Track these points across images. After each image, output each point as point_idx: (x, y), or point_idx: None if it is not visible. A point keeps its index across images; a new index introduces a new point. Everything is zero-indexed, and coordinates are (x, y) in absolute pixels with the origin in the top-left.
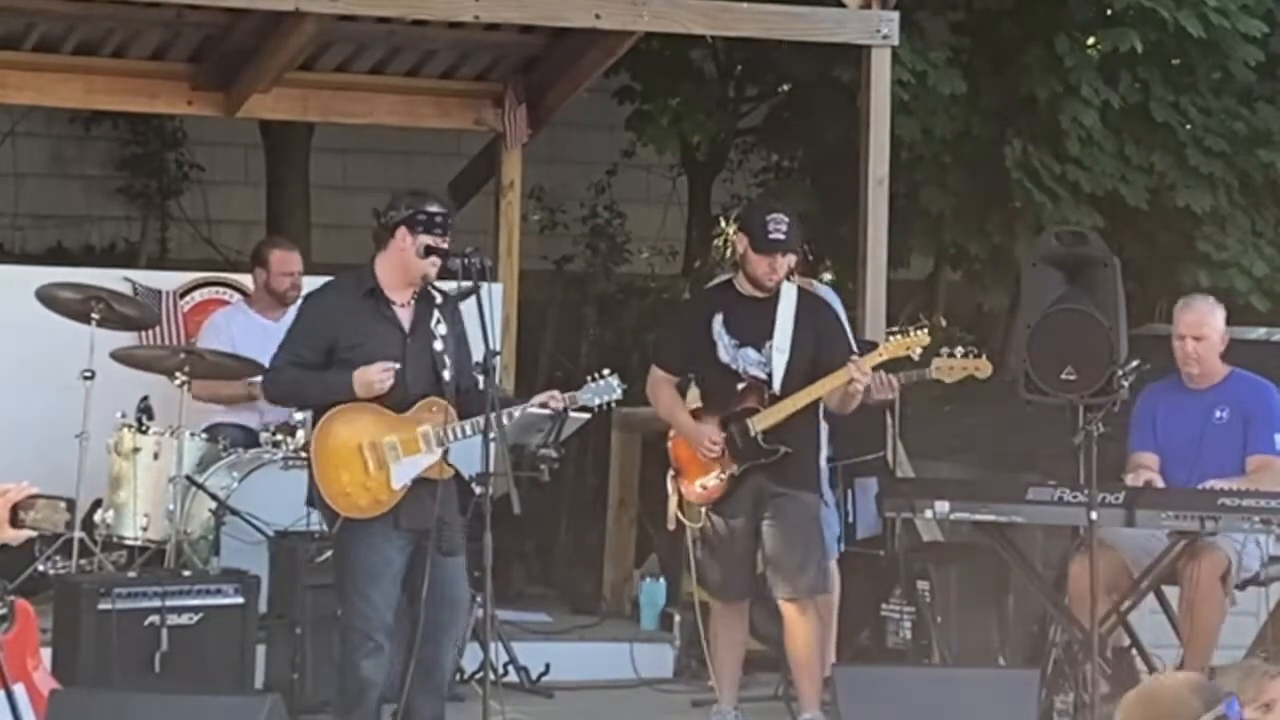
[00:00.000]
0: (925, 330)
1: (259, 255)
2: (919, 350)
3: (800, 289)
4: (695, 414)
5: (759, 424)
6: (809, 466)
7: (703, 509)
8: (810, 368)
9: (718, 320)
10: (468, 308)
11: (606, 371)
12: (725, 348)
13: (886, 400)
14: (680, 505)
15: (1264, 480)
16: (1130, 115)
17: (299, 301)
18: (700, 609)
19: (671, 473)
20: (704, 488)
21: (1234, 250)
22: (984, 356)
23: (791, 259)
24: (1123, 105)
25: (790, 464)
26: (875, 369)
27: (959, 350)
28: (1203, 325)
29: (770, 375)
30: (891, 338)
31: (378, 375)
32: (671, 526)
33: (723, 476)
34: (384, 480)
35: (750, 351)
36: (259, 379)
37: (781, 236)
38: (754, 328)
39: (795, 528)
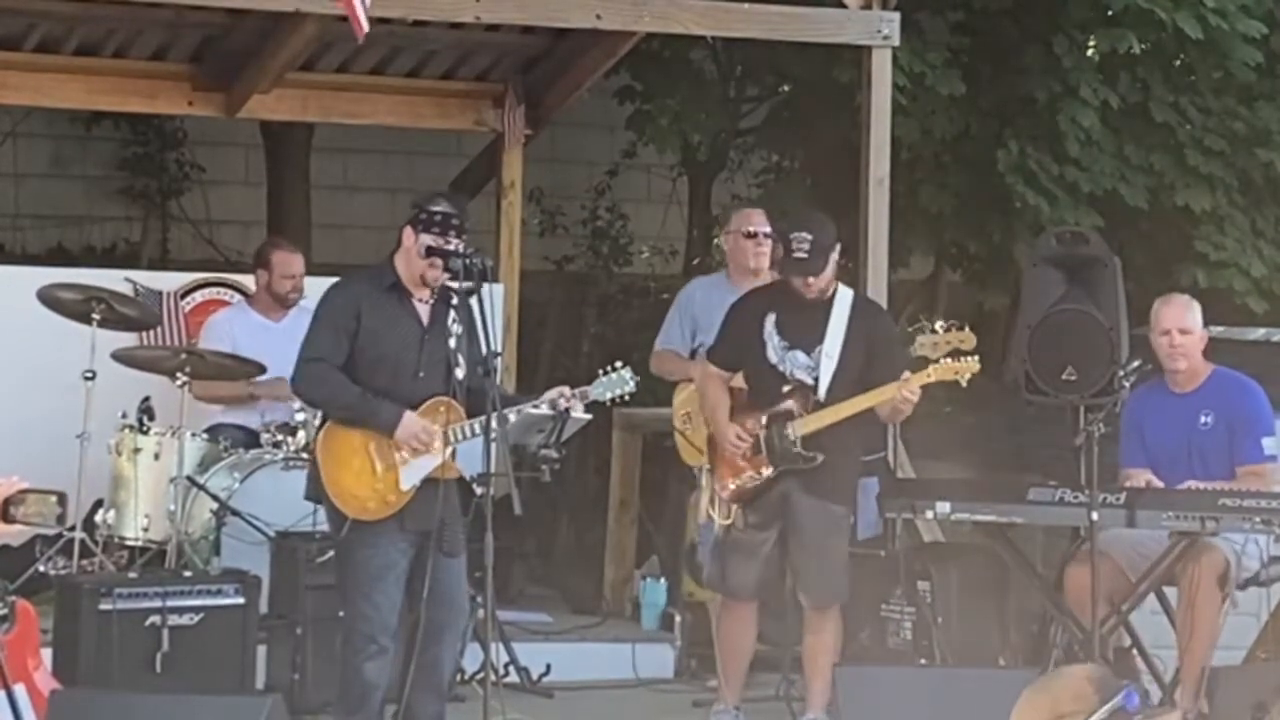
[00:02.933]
0: (976, 358)
1: (262, 256)
2: (968, 376)
3: (858, 295)
4: (736, 410)
5: (799, 429)
6: (844, 477)
7: (732, 506)
8: (859, 377)
9: (770, 320)
10: None
11: (619, 364)
12: (774, 348)
13: None
14: (713, 500)
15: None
16: (1129, 115)
17: (322, 295)
18: (697, 609)
19: (706, 467)
20: (737, 485)
21: (1232, 250)
22: (966, 329)
23: (828, 270)
24: (1122, 105)
25: (824, 473)
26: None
27: (940, 325)
28: (1185, 318)
29: (817, 381)
30: (944, 359)
31: (423, 431)
32: (703, 521)
33: (756, 477)
34: (392, 482)
35: (799, 355)
36: (260, 379)
37: (803, 256)
38: (806, 331)
39: (819, 538)
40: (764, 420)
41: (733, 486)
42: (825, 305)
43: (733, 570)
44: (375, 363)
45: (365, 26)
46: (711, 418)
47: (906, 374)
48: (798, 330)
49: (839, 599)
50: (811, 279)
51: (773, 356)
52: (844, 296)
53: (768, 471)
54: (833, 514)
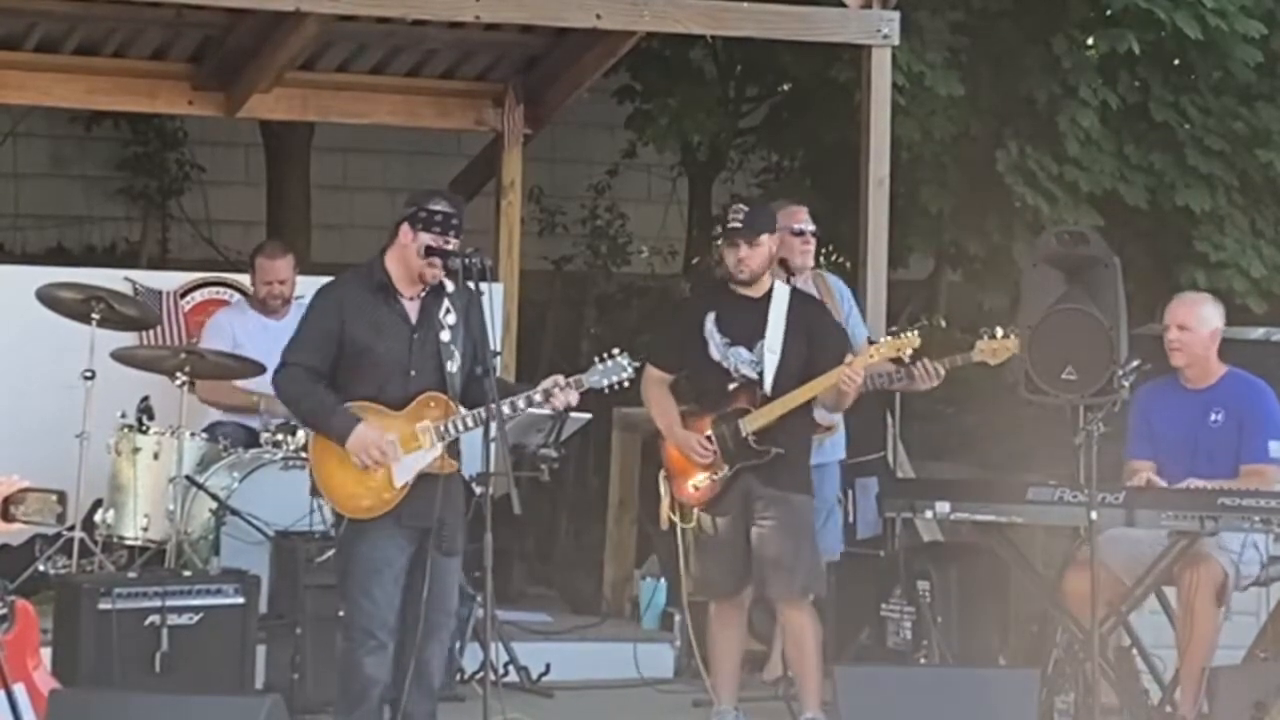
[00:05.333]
0: (916, 331)
1: (251, 259)
2: (909, 351)
3: (794, 289)
4: (685, 414)
5: (750, 425)
6: (800, 467)
7: (695, 509)
8: (803, 368)
9: (710, 319)
10: None
11: (616, 351)
12: (716, 346)
13: (931, 389)
14: (672, 505)
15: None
16: (1129, 115)
17: (310, 297)
18: (693, 609)
19: (663, 473)
20: (695, 489)
21: (1232, 250)
22: (1012, 336)
23: (762, 248)
24: (1121, 105)
25: (781, 465)
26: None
27: (999, 331)
28: (1187, 316)
29: (762, 375)
30: (885, 338)
31: (375, 449)
32: (664, 527)
33: (714, 478)
34: (385, 479)
35: (742, 351)
36: (265, 390)
37: (738, 224)
38: (746, 327)
39: (786, 531)
40: (713, 420)
41: (692, 490)
42: (763, 301)
43: (709, 571)
44: (365, 365)
45: None
46: (667, 427)
47: (850, 357)
48: (738, 327)
49: (810, 592)
50: (744, 250)
51: (715, 354)
52: (781, 292)
53: (725, 471)
54: (795, 504)
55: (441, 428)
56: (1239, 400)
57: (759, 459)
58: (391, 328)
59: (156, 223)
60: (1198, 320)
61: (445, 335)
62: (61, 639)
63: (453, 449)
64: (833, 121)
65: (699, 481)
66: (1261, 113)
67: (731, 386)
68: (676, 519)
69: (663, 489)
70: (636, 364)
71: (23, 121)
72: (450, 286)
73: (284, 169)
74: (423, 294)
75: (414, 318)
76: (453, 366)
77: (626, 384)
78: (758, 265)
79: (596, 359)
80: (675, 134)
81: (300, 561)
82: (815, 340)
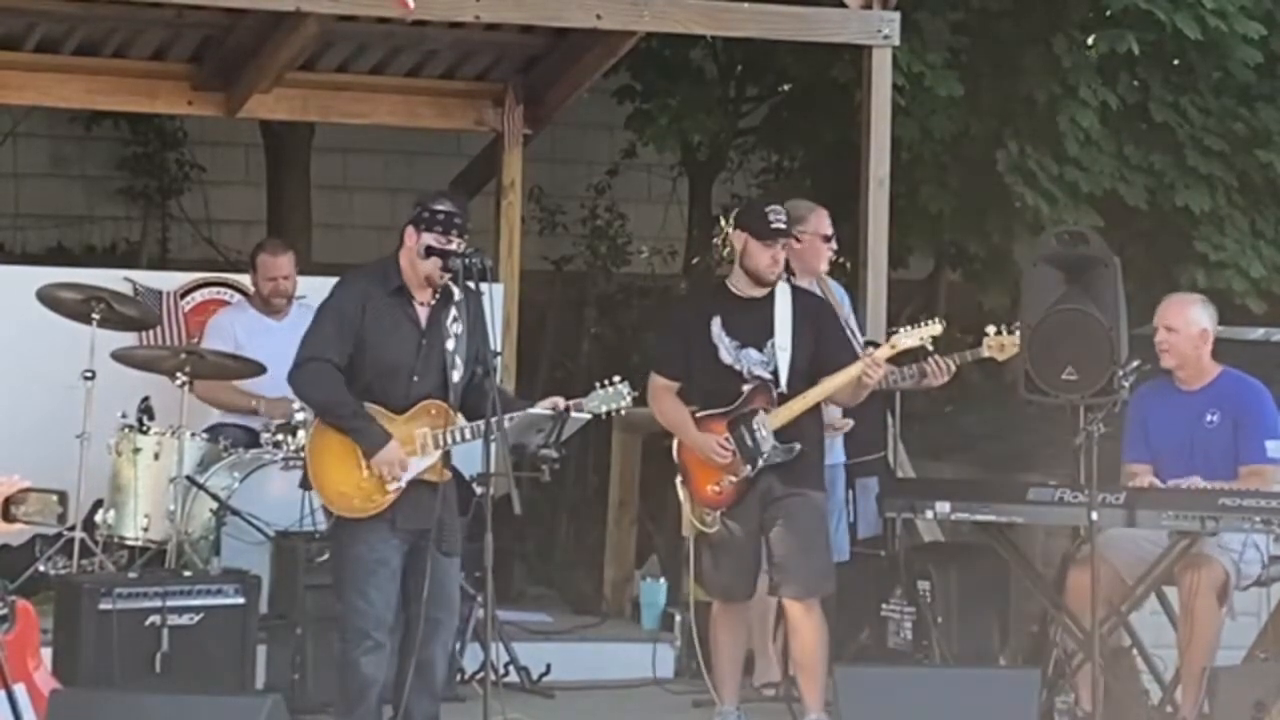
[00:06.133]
0: (936, 320)
1: (252, 257)
2: (931, 340)
3: (795, 287)
4: (695, 418)
5: (773, 424)
6: (816, 464)
7: (717, 512)
8: (810, 366)
9: (716, 323)
10: None
11: (617, 379)
12: (727, 349)
13: (943, 385)
14: (694, 510)
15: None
16: (1129, 115)
17: (311, 298)
18: (698, 609)
19: (679, 479)
20: (717, 491)
21: (1231, 251)
22: (1015, 335)
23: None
24: (1121, 105)
25: (799, 462)
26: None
27: (1005, 328)
28: (1174, 317)
29: (776, 374)
30: (903, 329)
31: (398, 465)
32: (687, 533)
33: (735, 479)
34: (377, 481)
35: (752, 352)
36: (263, 391)
37: (782, 225)
38: (754, 328)
39: (805, 527)
40: (730, 422)
41: (713, 492)
42: (766, 301)
43: (725, 575)
44: (370, 364)
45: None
46: (683, 432)
47: (870, 350)
48: (746, 328)
49: (824, 589)
50: (779, 250)
51: (727, 358)
52: (783, 290)
53: (747, 471)
54: (814, 501)
55: (439, 436)
56: (1234, 401)
57: (785, 456)
58: (402, 330)
59: (156, 223)
60: (1184, 321)
61: (450, 344)
62: (62, 639)
63: (445, 458)
64: (833, 121)
65: (721, 484)
66: (1261, 113)
67: (745, 388)
68: (700, 525)
69: (682, 495)
70: (635, 393)
71: (23, 121)
72: (458, 294)
73: (284, 169)
74: (433, 300)
75: (424, 323)
76: (455, 376)
77: (623, 412)
78: (783, 266)
79: (597, 384)
80: (675, 134)
81: (300, 561)
82: (822, 336)
